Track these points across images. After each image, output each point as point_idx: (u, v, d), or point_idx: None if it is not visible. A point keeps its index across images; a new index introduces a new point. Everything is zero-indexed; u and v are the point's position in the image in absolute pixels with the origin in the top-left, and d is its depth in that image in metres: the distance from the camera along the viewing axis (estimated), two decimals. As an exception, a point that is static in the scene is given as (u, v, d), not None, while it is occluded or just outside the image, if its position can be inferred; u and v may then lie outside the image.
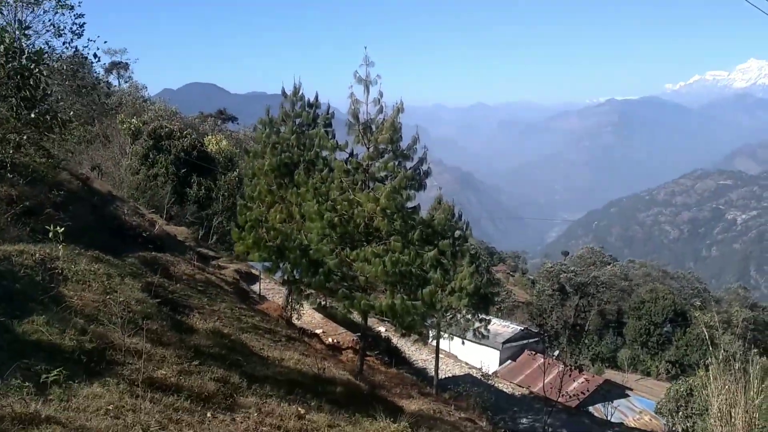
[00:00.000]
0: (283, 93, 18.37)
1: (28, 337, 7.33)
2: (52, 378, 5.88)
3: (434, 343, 38.19)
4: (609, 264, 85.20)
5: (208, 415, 7.04)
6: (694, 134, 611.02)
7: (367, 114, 13.93)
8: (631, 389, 33.51)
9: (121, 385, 6.94)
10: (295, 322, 24.83)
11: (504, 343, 35.59)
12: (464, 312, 20.66)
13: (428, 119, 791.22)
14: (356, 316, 29.30)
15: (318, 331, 23.17)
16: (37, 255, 10.32)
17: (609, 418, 26.95)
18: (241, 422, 7.08)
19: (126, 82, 74.46)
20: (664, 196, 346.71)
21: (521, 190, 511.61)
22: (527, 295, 78.84)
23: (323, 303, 14.63)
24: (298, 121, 18.27)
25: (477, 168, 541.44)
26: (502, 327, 37.24)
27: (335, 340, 22.29)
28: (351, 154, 14.64)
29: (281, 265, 16.34)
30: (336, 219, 13.37)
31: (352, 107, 13.81)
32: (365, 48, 13.61)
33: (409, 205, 14.43)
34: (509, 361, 35.47)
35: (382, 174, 14.11)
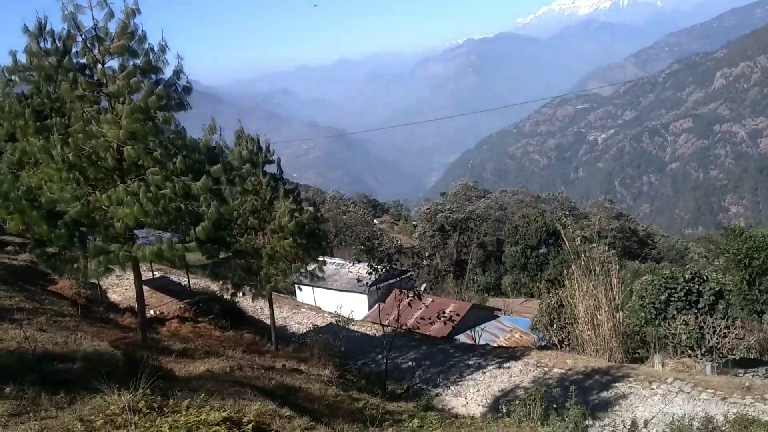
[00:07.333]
0: (25, 30, 14.42)
1: None
2: None
3: (299, 298, 36.18)
4: (483, 197, 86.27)
5: None
6: (549, 64, 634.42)
7: (94, 20, 11.01)
8: (500, 310, 32.91)
9: None
10: (114, 298, 21.81)
11: (370, 286, 33.92)
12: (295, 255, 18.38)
13: (294, 82, 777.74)
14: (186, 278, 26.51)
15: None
16: None
17: (477, 341, 25.96)
18: None
19: None
20: (529, 126, 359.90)
21: (394, 141, 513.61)
22: (411, 240, 78.58)
23: (77, 266, 11.80)
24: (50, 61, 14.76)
25: (349, 124, 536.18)
26: (367, 272, 35.49)
27: (158, 312, 19.55)
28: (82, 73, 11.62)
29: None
30: (71, 156, 10.53)
31: (69, 12, 10.80)
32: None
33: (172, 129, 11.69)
34: (378, 303, 33.93)
35: (131, 96, 11.27)
